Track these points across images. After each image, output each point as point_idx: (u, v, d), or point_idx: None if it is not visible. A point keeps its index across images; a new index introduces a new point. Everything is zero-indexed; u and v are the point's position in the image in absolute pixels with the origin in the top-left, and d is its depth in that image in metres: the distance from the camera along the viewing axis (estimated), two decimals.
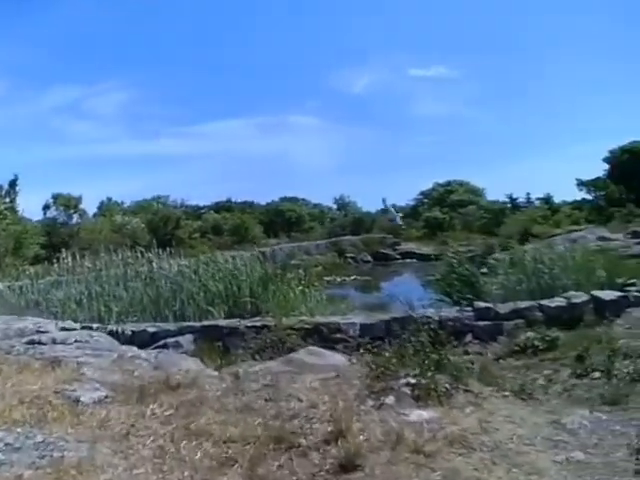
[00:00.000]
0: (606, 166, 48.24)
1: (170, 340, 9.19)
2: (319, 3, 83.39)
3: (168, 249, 17.63)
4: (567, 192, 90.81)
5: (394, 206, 57.52)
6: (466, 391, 5.74)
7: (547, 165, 76.65)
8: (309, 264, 26.80)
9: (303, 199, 67.76)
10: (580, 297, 9.40)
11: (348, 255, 40.64)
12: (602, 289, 9.91)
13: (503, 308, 9.29)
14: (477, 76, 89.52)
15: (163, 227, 42.98)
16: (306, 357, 7.13)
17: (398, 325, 8.81)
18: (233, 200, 64.50)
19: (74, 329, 9.62)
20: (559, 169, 75.03)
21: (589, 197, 50.41)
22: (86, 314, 12.11)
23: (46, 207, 41.91)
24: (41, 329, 8.82)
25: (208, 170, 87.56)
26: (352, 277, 29.87)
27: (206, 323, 9.81)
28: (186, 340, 9.19)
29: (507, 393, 5.96)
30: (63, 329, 9.56)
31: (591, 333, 8.11)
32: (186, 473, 3.87)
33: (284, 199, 64.64)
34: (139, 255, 16.32)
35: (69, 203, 41.79)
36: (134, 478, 3.81)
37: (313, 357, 7.15)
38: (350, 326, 9.02)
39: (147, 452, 4.18)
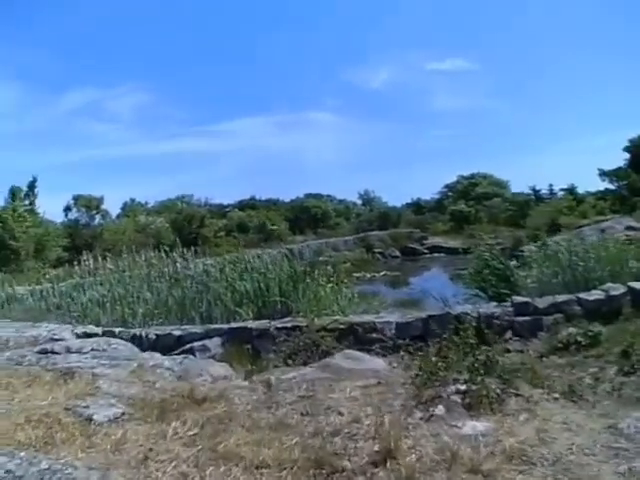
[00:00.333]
0: (627, 155, 47.29)
1: (197, 344, 8.75)
2: (335, 1, 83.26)
3: (193, 248, 17.30)
4: (590, 182, 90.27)
5: None
6: (517, 395, 5.29)
7: (568, 156, 76.29)
8: (337, 260, 26.35)
9: (328, 195, 67.59)
10: (618, 289, 8.85)
11: (376, 250, 40.44)
12: (637, 280, 9.36)
13: (542, 302, 8.74)
14: (495, 68, 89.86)
15: (187, 226, 42.74)
16: (343, 362, 6.58)
17: (436, 323, 8.33)
18: (257, 198, 64.47)
19: (95, 334, 9.36)
20: (580, 159, 74.41)
21: (612, 187, 49.46)
22: (109, 317, 11.78)
23: (67, 209, 42.21)
24: (55, 336, 8.43)
25: (230, 169, 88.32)
26: (382, 273, 29.40)
27: (234, 325, 9.31)
28: (213, 343, 8.75)
29: (557, 395, 5.47)
30: (84, 333, 9.36)
31: (631, 327, 7.60)
32: None
33: (309, 195, 64.45)
34: (163, 255, 15.97)
35: (90, 204, 41.91)
36: None
37: (350, 361, 6.61)
38: (386, 325, 8.49)
39: None
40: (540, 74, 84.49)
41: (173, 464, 3.78)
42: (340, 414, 4.69)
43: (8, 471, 3.49)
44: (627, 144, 46.75)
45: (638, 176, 43.92)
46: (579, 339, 7.40)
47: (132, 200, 54.84)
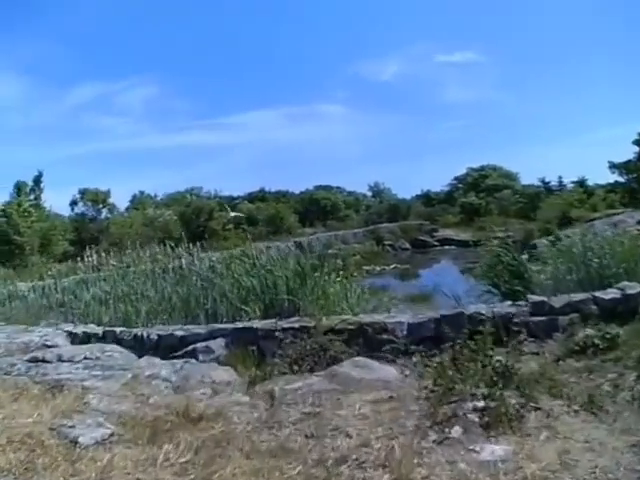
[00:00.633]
0: (636, 149, 46.73)
1: (200, 345, 8.39)
2: None
3: (200, 242, 17.04)
4: (599, 175, 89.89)
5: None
6: (536, 409, 4.93)
7: (577, 148, 76.02)
8: (347, 253, 26.15)
9: (337, 187, 67.31)
10: (634, 288, 8.49)
11: (386, 243, 40.32)
12: None
13: (557, 301, 8.36)
14: (504, 60, 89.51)
15: (196, 219, 42.34)
16: (352, 370, 6.20)
17: (449, 324, 7.93)
18: (267, 190, 64.24)
19: (96, 334, 9.15)
20: (589, 152, 73.94)
21: (621, 180, 49.03)
22: (112, 315, 11.56)
23: (73, 203, 42.20)
24: (48, 342, 8.11)
25: (240, 161, 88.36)
26: (392, 266, 29.08)
27: (239, 325, 8.96)
28: (217, 345, 8.39)
29: (577, 407, 5.10)
30: (84, 333, 9.16)
31: None
32: None
33: (318, 187, 64.17)
34: (169, 250, 15.71)
35: (97, 198, 41.92)
36: None
37: (360, 370, 6.23)
38: (397, 326, 8.12)
39: None
40: (549, 66, 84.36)
41: None
42: (348, 436, 4.29)
43: None
44: (637, 137, 46.11)
45: None
46: (596, 342, 7.06)
47: (141, 193, 54.88)
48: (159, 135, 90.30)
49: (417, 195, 62.43)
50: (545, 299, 8.47)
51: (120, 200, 46.74)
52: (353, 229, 43.59)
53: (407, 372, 6.51)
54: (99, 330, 9.46)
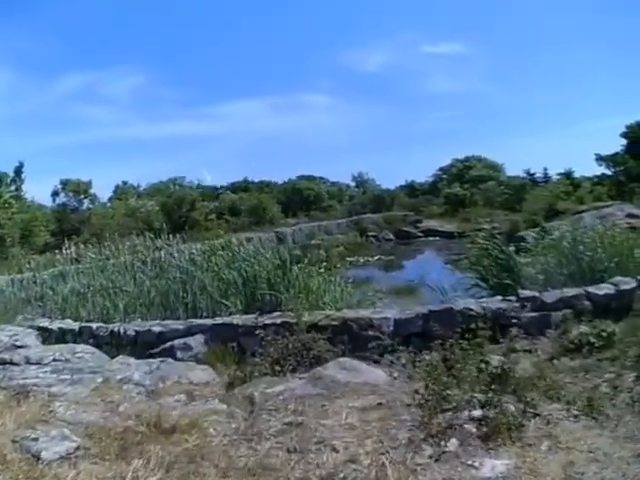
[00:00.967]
0: (624, 141, 47.07)
1: (178, 342, 8.23)
2: None
3: (181, 233, 16.73)
4: (586, 167, 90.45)
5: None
6: (535, 415, 4.67)
7: (563, 140, 76.14)
8: (330, 244, 26.01)
9: (321, 177, 66.88)
10: (628, 283, 8.42)
11: (370, 234, 40.18)
12: None
13: (549, 297, 8.23)
14: (491, 52, 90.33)
15: (177, 209, 41.94)
16: (338, 373, 5.86)
17: (438, 321, 7.73)
18: (250, 180, 63.87)
19: (71, 330, 9.08)
20: (576, 144, 74.21)
21: (608, 172, 49.32)
22: (90, 310, 11.25)
23: (55, 193, 41.69)
24: (17, 342, 7.79)
25: (224, 151, 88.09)
26: (376, 257, 28.97)
27: (218, 321, 8.71)
28: (196, 341, 8.22)
29: (577, 412, 4.86)
30: (59, 329, 9.08)
31: None
32: None
33: (301, 177, 63.78)
34: (149, 241, 15.37)
35: (78, 189, 41.38)
36: None
37: (346, 372, 5.90)
38: (383, 321, 7.91)
39: None
40: (536, 58, 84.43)
41: None
42: (334, 450, 3.96)
43: None
44: (624, 130, 46.49)
45: (635, 162, 43.66)
46: (592, 340, 6.87)
47: (124, 183, 54.28)
48: (145, 124, 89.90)
49: (401, 186, 62.21)
50: (537, 294, 8.36)
51: (103, 190, 46.43)
52: (336, 220, 43.43)
53: (395, 374, 6.27)
54: (75, 326, 9.31)
